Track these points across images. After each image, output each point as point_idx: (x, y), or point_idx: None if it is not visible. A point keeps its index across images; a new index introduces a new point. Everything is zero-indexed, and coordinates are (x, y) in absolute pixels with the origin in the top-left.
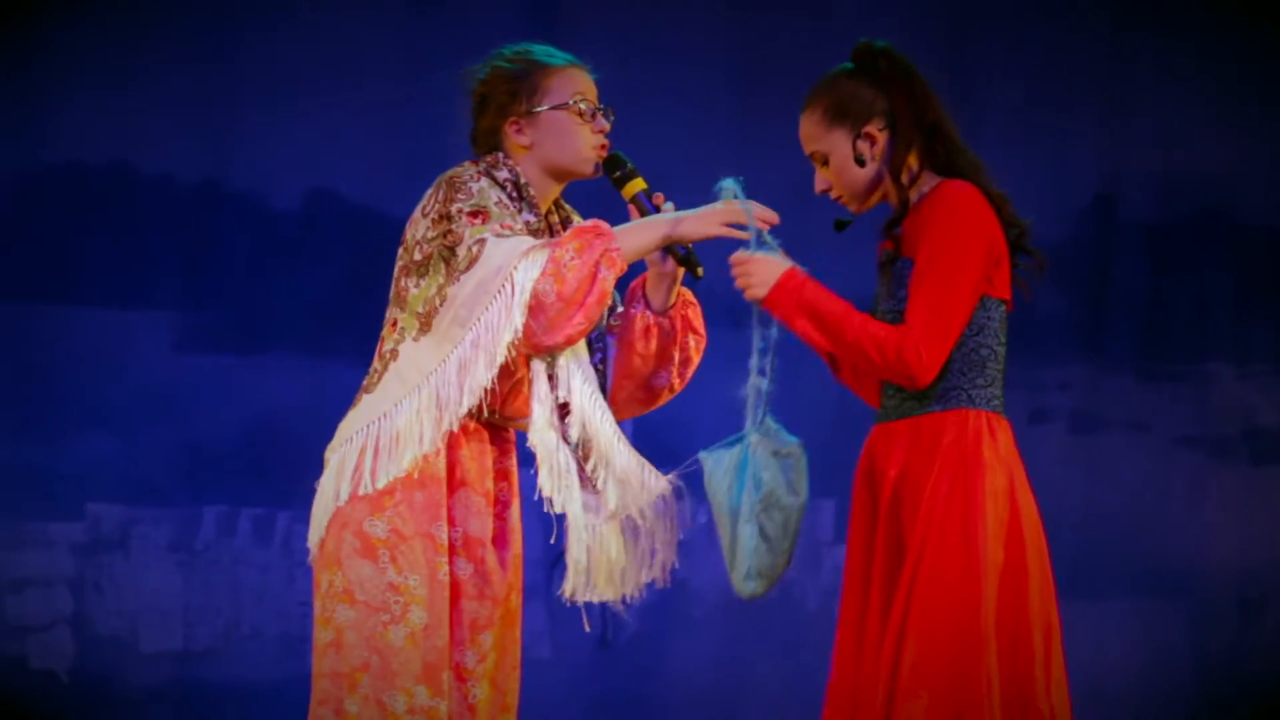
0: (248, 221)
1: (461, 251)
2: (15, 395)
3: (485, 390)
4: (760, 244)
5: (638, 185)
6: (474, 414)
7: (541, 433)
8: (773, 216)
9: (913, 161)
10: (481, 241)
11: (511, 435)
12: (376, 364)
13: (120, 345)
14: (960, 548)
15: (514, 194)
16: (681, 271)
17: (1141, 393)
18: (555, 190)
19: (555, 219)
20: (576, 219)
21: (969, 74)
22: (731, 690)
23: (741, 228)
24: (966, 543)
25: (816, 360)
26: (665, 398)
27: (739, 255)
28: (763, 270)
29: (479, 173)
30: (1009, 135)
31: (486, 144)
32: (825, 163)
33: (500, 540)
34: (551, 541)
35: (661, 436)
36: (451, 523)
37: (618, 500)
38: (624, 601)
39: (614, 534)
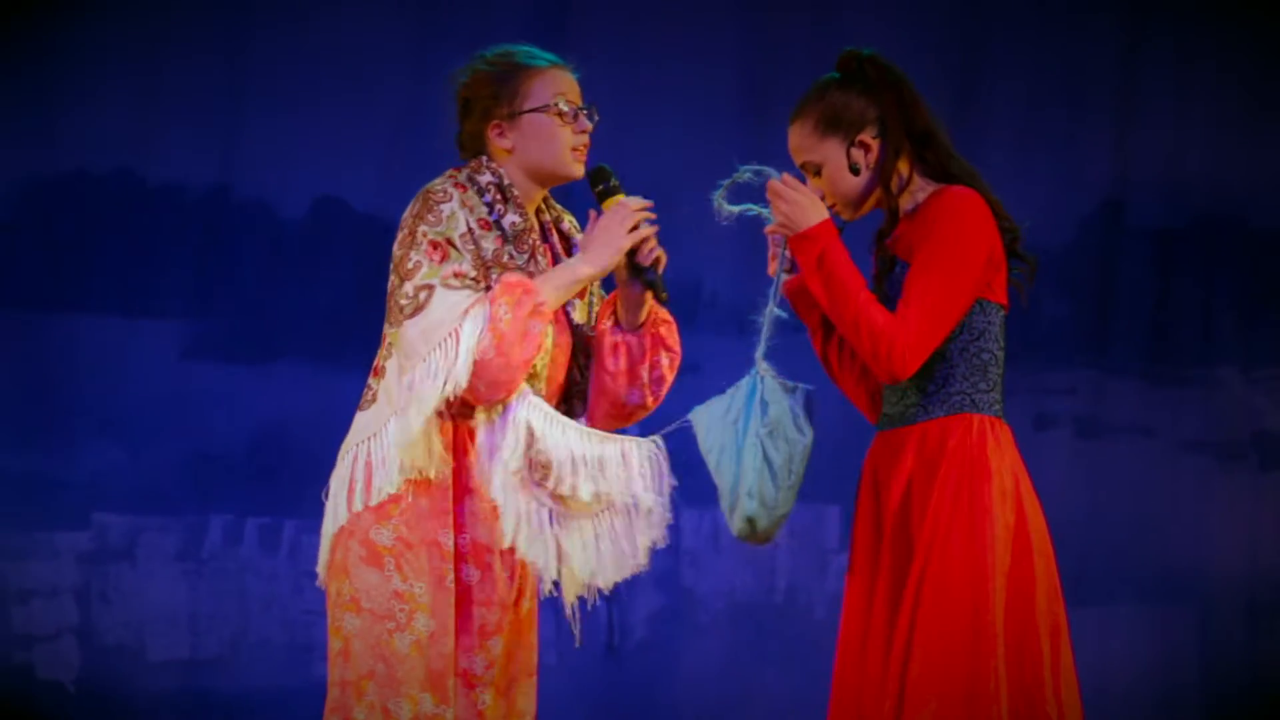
0: (256, 229)
1: (409, 288)
2: (22, 403)
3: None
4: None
5: (616, 203)
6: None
7: (496, 490)
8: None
9: (903, 168)
10: (430, 290)
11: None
12: (371, 381)
13: (127, 353)
14: (967, 552)
15: (498, 196)
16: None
17: (1148, 397)
18: (540, 192)
19: (546, 218)
20: (568, 219)
21: (976, 78)
22: (738, 697)
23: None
24: (974, 547)
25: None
26: (640, 415)
27: (778, 186)
28: (800, 212)
29: (456, 185)
30: (1016, 139)
31: (472, 148)
32: (817, 173)
33: (500, 539)
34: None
35: (667, 445)
36: (459, 529)
37: (591, 496)
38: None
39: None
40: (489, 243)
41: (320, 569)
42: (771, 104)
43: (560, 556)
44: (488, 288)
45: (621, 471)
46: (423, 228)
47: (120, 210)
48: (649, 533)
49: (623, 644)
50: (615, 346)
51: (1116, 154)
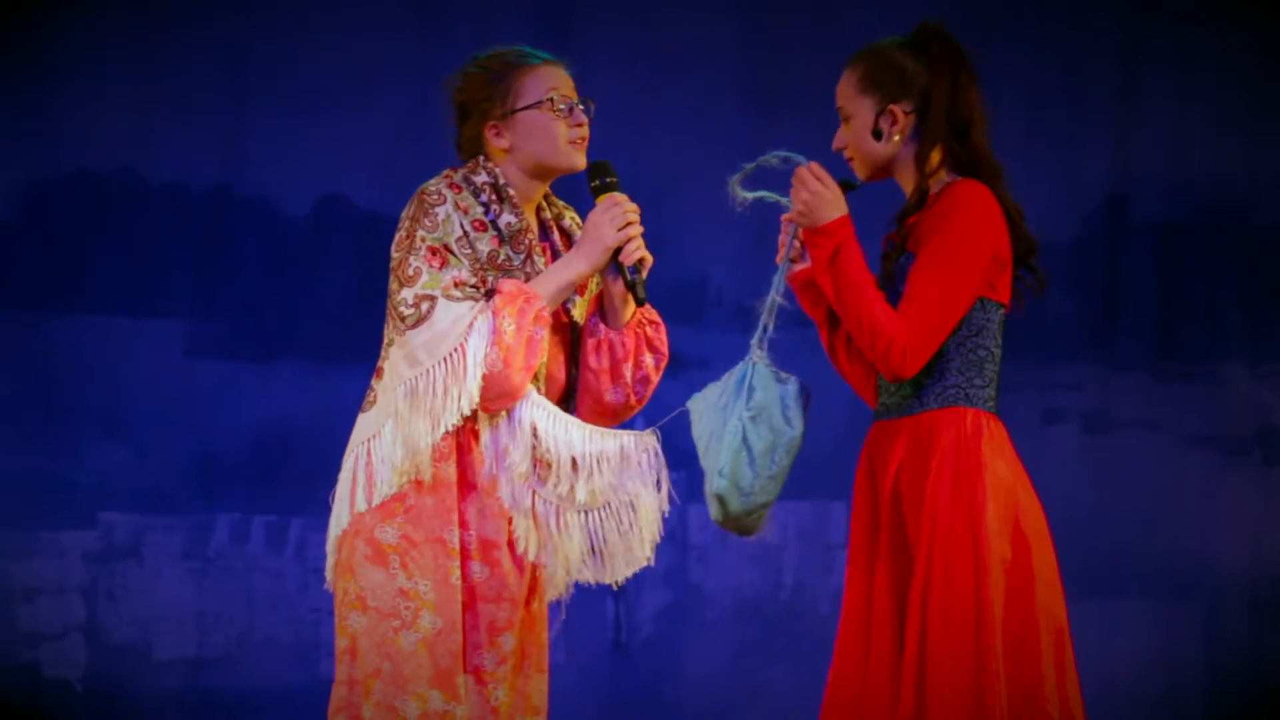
0: (259, 228)
1: (409, 296)
2: (26, 404)
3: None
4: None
5: (606, 199)
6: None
7: (506, 496)
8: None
9: (935, 156)
10: (432, 301)
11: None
12: (373, 383)
13: (131, 353)
14: (967, 552)
15: (493, 197)
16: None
17: (1154, 392)
18: (540, 189)
19: (546, 215)
20: (570, 215)
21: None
22: (744, 693)
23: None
24: (972, 545)
25: (828, 363)
26: (625, 415)
27: (804, 173)
28: (821, 204)
29: (451, 185)
30: (1018, 138)
31: (471, 150)
32: (847, 122)
33: (517, 542)
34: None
35: (673, 441)
36: (464, 526)
37: (588, 496)
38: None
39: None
40: (484, 244)
41: (328, 570)
42: (772, 103)
43: (569, 557)
44: (488, 294)
45: (621, 468)
46: (420, 232)
47: (123, 210)
48: (650, 528)
49: (630, 641)
50: (598, 344)
51: (1119, 151)
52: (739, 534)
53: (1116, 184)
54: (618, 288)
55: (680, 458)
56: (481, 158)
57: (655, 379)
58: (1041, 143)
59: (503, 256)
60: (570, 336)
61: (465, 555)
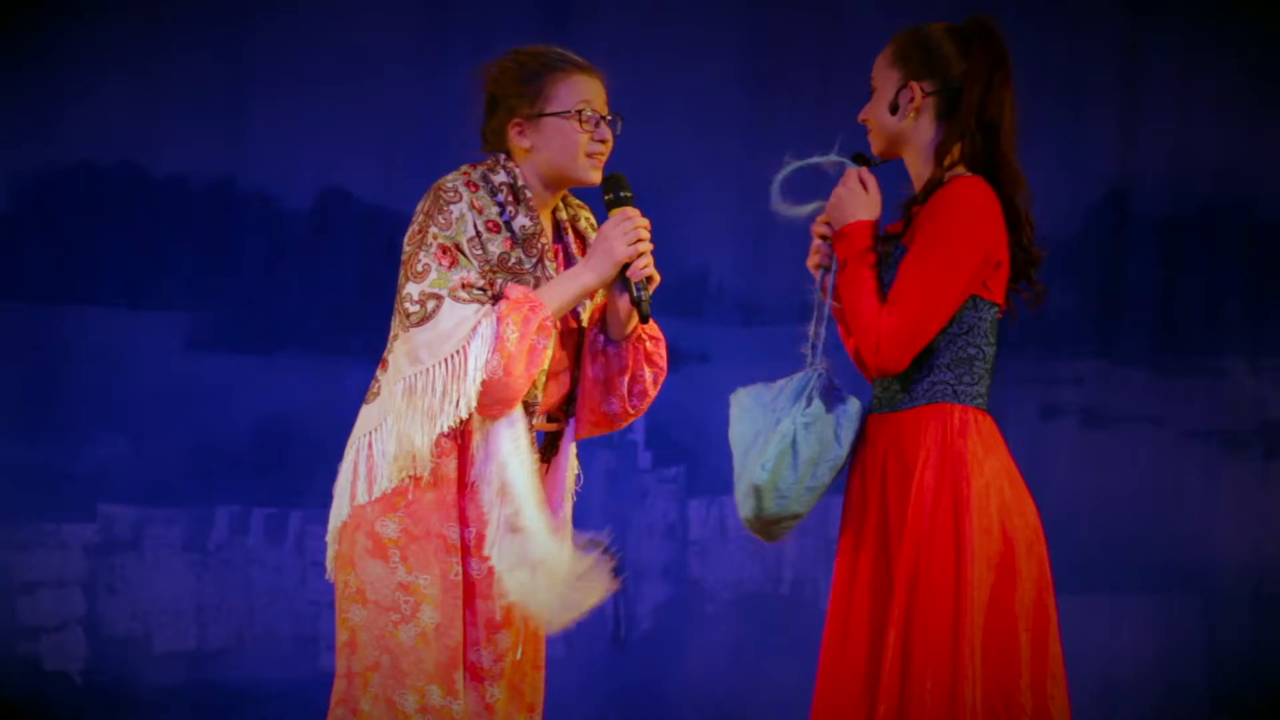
0: (260, 221)
1: (416, 293)
2: (27, 396)
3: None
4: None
5: (618, 213)
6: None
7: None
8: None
9: (956, 150)
10: (438, 300)
11: (531, 435)
12: (378, 374)
13: (132, 345)
14: (949, 547)
15: (510, 197)
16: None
17: (1155, 387)
18: (556, 194)
19: (562, 216)
20: (585, 216)
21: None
22: (745, 687)
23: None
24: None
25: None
26: (621, 424)
27: (852, 173)
28: (853, 201)
29: (468, 183)
30: (1022, 130)
31: (494, 142)
32: (875, 94)
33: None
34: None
35: (674, 435)
36: (464, 523)
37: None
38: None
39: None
40: (496, 246)
41: (328, 562)
42: (775, 98)
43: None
44: (495, 298)
45: (533, 547)
46: (433, 229)
47: (125, 203)
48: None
49: (630, 635)
50: (596, 355)
51: (1121, 145)
52: (762, 538)
53: (1118, 178)
54: (623, 302)
55: (679, 452)
56: (502, 156)
57: (653, 393)
58: (1044, 136)
59: (514, 259)
60: (578, 341)
61: (465, 551)
